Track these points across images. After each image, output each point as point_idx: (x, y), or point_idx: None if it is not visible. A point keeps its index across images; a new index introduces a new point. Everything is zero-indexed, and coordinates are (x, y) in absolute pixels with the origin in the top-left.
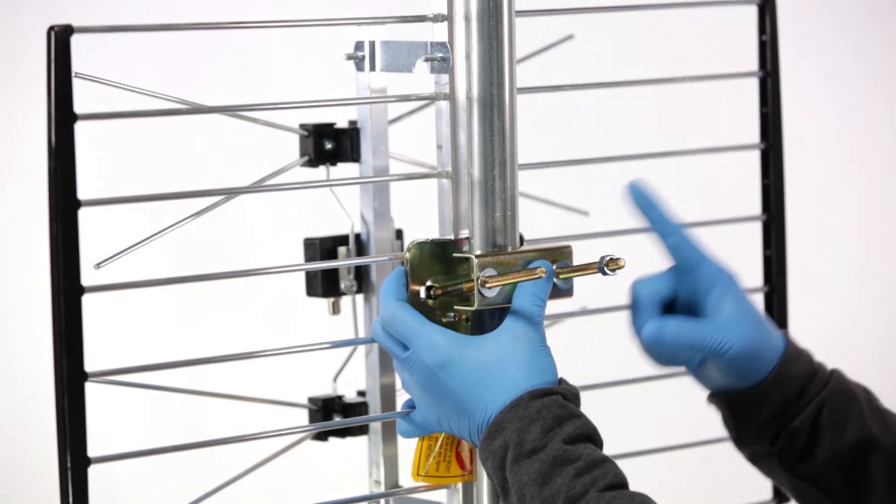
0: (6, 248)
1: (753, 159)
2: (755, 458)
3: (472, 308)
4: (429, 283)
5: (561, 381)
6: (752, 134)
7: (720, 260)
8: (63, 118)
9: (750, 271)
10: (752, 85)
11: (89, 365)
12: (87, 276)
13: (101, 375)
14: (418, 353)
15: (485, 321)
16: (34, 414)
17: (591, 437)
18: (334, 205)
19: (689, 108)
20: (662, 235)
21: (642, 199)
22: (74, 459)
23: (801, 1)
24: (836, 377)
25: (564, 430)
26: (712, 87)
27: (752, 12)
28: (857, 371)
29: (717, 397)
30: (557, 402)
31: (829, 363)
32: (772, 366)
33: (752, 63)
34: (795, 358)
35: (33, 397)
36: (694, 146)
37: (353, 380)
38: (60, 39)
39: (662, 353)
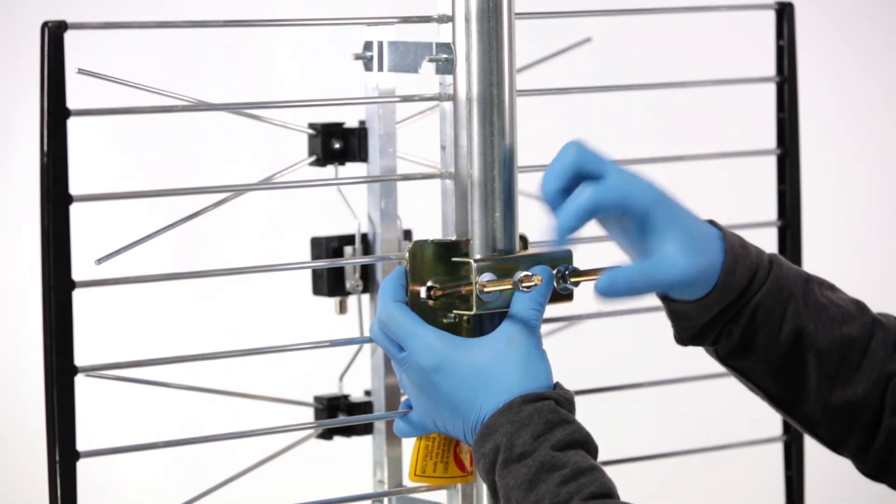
0: (3, 243)
1: (770, 165)
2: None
3: (471, 312)
4: (430, 284)
5: (556, 385)
6: (768, 139)
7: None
8: (56, 113)
9: None
10: (769, 90)
11: (93, 360)
12: (89, 272)
13: (92, 370)
14: (413, 355)
15: (484, 323)
16: (26, 408)
17: (584, 443)
18: (341, 204)
19: (705, 112)
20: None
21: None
22: (63, 453)
23: (817, 6)
24: (773, 276)
25: (554, 435)
26: (728, 91)
27: (769, 17)
28: None
29: (664, 301)
30: (549, 408)
31: None
32: (712, 285)
33: (769, 68)
34: (734, 267)
35: (27, 392)
36: (709, 151)
37: (361, 379)
38: (54, 35)
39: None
